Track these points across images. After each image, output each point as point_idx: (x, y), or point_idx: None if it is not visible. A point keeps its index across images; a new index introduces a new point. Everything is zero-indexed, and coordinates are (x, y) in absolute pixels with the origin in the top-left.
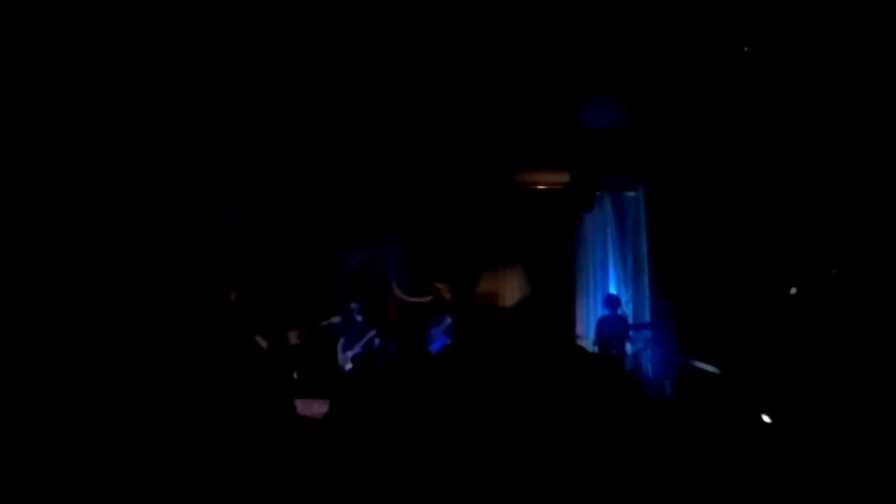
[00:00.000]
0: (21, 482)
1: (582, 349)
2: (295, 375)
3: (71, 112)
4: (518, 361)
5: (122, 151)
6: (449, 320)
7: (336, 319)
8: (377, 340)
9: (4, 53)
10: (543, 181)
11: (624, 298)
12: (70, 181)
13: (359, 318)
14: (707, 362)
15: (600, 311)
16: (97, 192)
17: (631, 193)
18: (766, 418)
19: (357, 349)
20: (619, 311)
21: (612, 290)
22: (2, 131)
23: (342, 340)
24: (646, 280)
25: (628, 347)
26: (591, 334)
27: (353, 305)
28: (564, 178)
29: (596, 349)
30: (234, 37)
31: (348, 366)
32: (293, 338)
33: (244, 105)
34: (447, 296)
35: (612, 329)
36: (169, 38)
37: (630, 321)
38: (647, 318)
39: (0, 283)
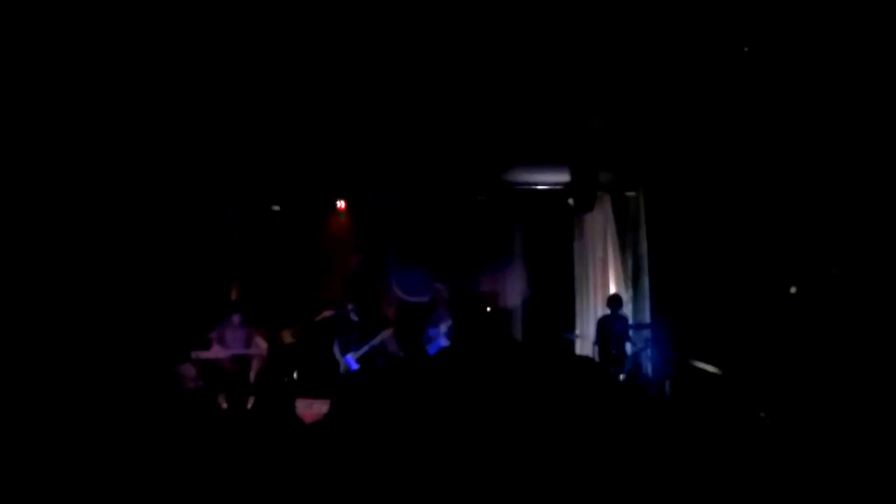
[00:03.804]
0: (21, 481)
1: (570, 353)
2: (295, 375)
3: (72, 112)
4: (516, 363)
5: (122, 152)
6: (449, 321)
7: (329, 314)
8: (378, 341)
9: (4, 53)
10: (543, 181)
11: (624, 298)
12: (71, 182)
13: (354, 318)
14: (707, 362)
15: (600, 311)
16: (98, 193)
17: (631, 193)
18: (765, 418)
19: (364, 349)
20: (619, 311)
21: (612, 290)
22: (2, 131)
23: (338, 341)
24: (646, 280)
25: (628, 347)
26: (591, 334)
27: (349, 305)
28: (564, 178)
29: (596, 349)
30: (235, 37)
31: (354, 366)
32: (287, 337)
33: (248, 105)
34: (447, 296)
35: (612, 329)
36: (169, 38)
37: (630, 321)
38: (647, 318)
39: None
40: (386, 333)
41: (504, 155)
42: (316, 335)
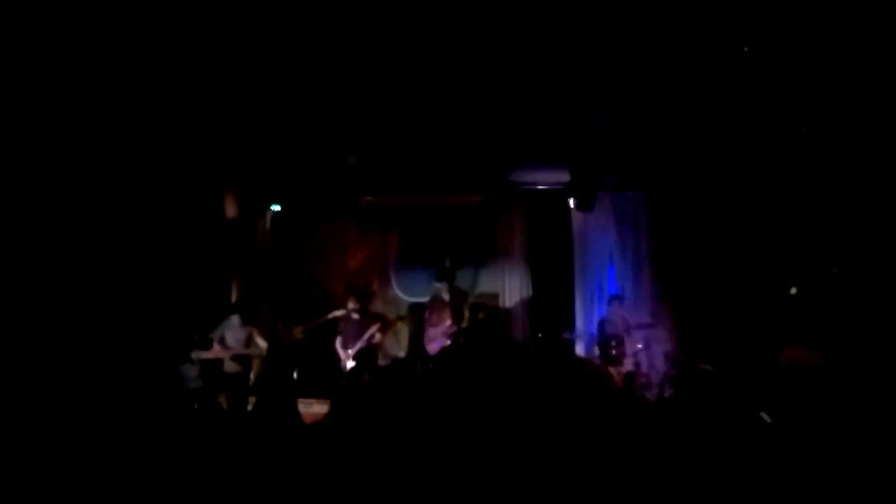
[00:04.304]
0: (21, 481)
1: (570, 353)
2: (295, 375)
3: (70, 111)
4: (516, 363)
5: (121, 151)
6: (448, 321)
7: (339, 313)
8: (377, 336)
9: (4, 53)
10: (543, 181)
11: (624, 298)
12: (69, 181)
13: (356, 316)
14: (707, 362)
15: (601, 311)
16: (97, 192)
17: (631, 193)
18: (765, 418)
19: (358, 346)
20: (620, 312)
21: (612, 290)
22: (3, 131)
23: (340, 339)
24: (646, 280)
25: (628, 347)
26: (592, 334)
27: (350, 305)
28: (564, 177)
29: (596, 349)
30: (236, 36)
31: (350, 364)
32: (297, 333)
33: (247, 104)
34: (447, 296)
35: (612, 329)
36: (169, 37)
37: (630, 321)
38: (647, 318)
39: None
40: (373, 329)
41: (505, 154)
42: (323, 333)
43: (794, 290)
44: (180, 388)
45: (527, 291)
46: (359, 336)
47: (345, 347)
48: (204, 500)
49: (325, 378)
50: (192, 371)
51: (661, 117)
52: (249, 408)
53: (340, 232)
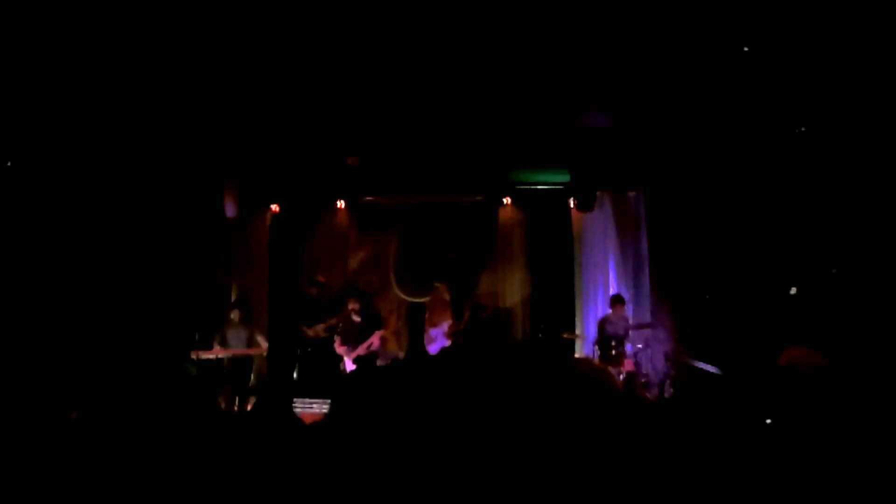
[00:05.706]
0: (21, 480)
1: (571, 355)
2: (295, 375)
3: (71, 111)
4: (516, 363)
5: (122, 152)
6: (449, 321)
7: (354, 306)
8: (375, 342)
9: (5, 53)
10: (543, 181)
11: (624, 298)
12: (70, 182)
13: (356, 318)
14: (707, 362)
15: (601, 311)
16: (98, 192)
17: (631, 193)
18: (766, 419)
19: (358, 351)
20: (620, 312)
21: (612, 290)
22: (5, 132)
23: (339, 340)
24: (646, 280)
25: (628, 347)
26: (592, 334)
27: (350, 306)
28: (564, 177)
29: (596, 349)
30: (240, 36)
31: (349, 366)
32: (320, 331)
33: (247, 104)
34: (447, 296)
35: (612, 329)
36: (170, 35)
37: (630, 321)
38: (647, 318)
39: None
40: (374, 338)
41: (505, 155)
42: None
43: (794, 290)
44: (180, 388)
45: (527, 291)
46: (358, 337)
47: (344, 348)
48: (204, 500)
49: (325, 378)
50: None
51: (660, 117)
52: (249, 408)
53: (340, 232)
